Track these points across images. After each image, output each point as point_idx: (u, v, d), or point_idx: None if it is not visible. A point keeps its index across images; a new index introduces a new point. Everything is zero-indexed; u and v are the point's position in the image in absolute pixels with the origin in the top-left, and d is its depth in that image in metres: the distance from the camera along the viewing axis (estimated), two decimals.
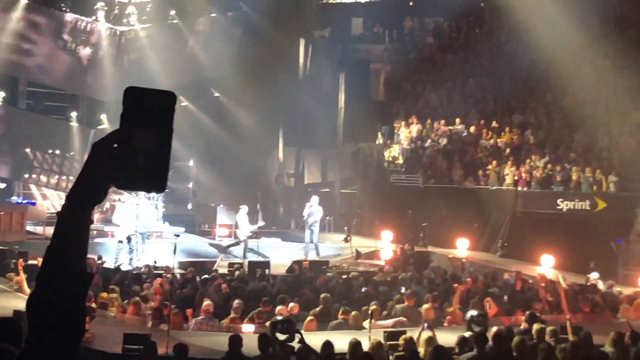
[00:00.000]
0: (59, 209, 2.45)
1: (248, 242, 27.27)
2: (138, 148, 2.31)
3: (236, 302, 15.74)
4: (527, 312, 14.13)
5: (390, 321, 15.14)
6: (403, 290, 18.68)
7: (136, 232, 24.57)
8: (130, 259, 24.12)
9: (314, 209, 27.62)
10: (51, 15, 29.81)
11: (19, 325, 5.05)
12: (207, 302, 14.80)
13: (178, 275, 19.64)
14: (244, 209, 27.54)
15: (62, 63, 30.66)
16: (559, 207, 28.13)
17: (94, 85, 31.21)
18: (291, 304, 15.60)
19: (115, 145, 2.34)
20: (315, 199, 27.99)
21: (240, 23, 35.90)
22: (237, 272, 20.60)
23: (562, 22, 34.36)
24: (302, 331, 12.46)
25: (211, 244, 27.73)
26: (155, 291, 17.15)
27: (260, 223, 28.09)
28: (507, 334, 11.78)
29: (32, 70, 30.73)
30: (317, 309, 16.02)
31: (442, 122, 34.00)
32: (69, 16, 29.64)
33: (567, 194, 28.38)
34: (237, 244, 27.50)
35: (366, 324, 13.51)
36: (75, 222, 2.36)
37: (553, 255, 24.63)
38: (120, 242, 24.59)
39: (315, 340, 11.80)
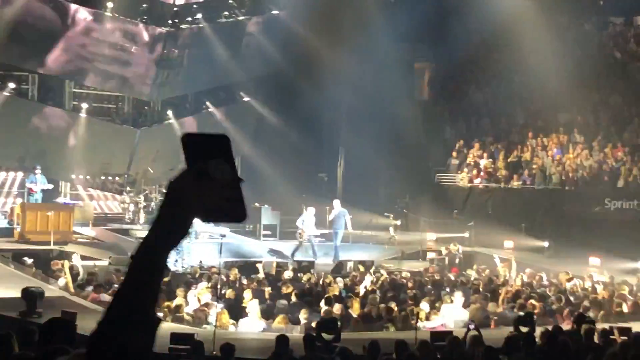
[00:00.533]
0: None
1: (314, 242, 27.22)
2: (216, 179, 2.31)
3: (281, 303, 15.78)
4: (575, 313, 13.99)
5: (435, 321, 15.08)
6: (448, 290, 18.63)
7: None
8: (176, 260, 24.23)
9: (336, 211, 27.45)
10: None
11: (72, 326, 5.09)
12: (251, 303, 14.80)
13: (223, 276, 19.69)
14: (311, 210, 27.50)
15: (107, 64, 30.89)
16: (607, 207, 27.86)
17: (138, 87, 31.41)
18: (336, 305, 15.59)
19: (194, 180, 2.30)
20: (337, 203, 27.82)
21: (269, 26, 35.75)
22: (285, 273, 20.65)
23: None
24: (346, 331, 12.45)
25: (272, 250, 27.43)
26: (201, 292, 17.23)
27: (324, 231, 28.09)
28: (555, 334, 11.66)
29: (78, 71, 31.00)
30: (364, 310, 15.99)
31: (486, 121, 33.79)
32: (114, 17, 29.85)
33: (615, 193, 28.10)
34: (299, 247, 27.31)
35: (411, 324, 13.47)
36: (154, 265, 2.30)
37: (601, 255, 24.47)
38: None
39: (360, 340, 11.78)
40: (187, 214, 2.30)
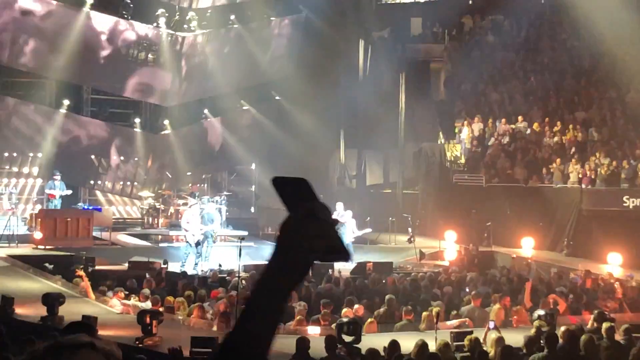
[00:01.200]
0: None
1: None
2: (324, 220, 2.38)
3: (300, 305, 15.77)
4: (596, 311, 13.94)
5: (455, 322, 15.06)
6: (467, 290, 18.60)
7: (203, 236, 24.71)
8: (195, 264, 24.29)
9: (339, 215, 27.14)
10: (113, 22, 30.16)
11: (92, 329, 5.12)
12: None
13: (243, 281, 19.71)
14: (349, 213, 27.38)
15: (124, 70, 31.01)
16: (625, 205, 27.78)
17: (156, 92, 31.52)
18: (356, 306, 15.59)
19: (308, 223, 2.34)
20: (340, 206, 27.50)
21: (300, 26, 36.01)
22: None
23: (625, 16, 33.90)
24: (364, 333, 12.44)
25: None
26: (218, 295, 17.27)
27: (368, 230, 28.00)
28: (577, 333, 11.63)
29: (98, 77, 31.14)
30: (381, 310, 15.99)
31: (504, 120, 33.72)
32: (131, 23, 29.97)
33: (633, 191, 28.01)
34: None
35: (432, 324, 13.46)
36: (277, 309, 2.34)
37: (620, 253, 24.40)
38: (189, 246, 24.75)
39: (379, 341, 11.79)
40: (308, 256, 2.33)
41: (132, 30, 30.17)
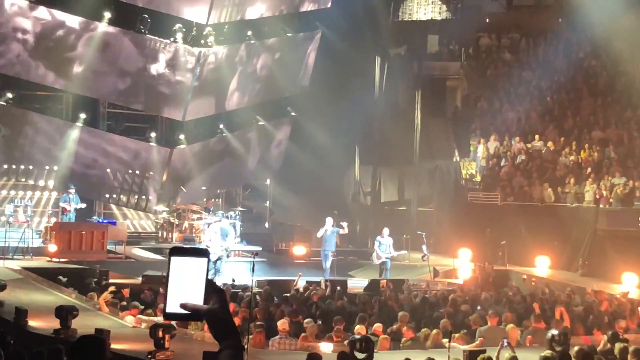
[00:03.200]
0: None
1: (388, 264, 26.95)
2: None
3: (307, 322, 15.75)
4: (610, 332, 13.85)
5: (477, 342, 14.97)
6: (479, 308, 18.49)
7: (221, 251, 24.71)
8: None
9: (327, 229, 26.79)
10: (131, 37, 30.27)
11: (103, 342, 5.11)
12: (282, 321, 14.79)
13: (257, 296, 19.70)
14: (386, 231, 27.30)
15: (141, 84, 31.09)
16: None
17: (172, 106, 31.60)
18: (376, 325, 15.53)
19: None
20: (329, 221, 27.13)
21: (316, 42, 36.10)
22: (314, 291, 20.62)
23: None
24: (376, 350, 12.38)
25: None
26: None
27: (403, 251, 27.94)
28: (591, 353, 11.56)
29: (112, 91, 31.24)
30: (394, 327, 15.94)
31: (517, 139, 33.68)
32: (148, 38, 30.06)
33: None
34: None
35: (445, 342, 13.39)
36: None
37: (635, 273, 24.29)
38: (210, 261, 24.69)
39: (391, 358, 11.74)
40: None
41: (150, 45, 30.24)
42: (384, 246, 26.80)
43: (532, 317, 16.24)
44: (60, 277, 20.98)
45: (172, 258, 3.26)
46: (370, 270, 28.07)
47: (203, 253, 3.33)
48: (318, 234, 26.92)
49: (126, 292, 19.71)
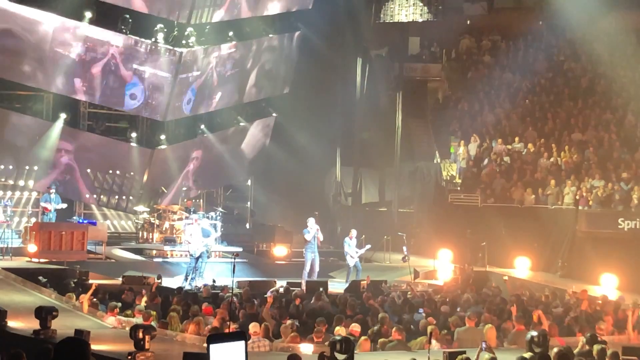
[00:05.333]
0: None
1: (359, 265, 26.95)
2: None
3: (292, 322, 15.75)
4: (588, 334, 13.93)
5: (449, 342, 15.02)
6: (458, 309, 18.56)
7: (201, 252, 24.66)
8: (192, 279, 24.28)
9: (312, 231, 26.28)
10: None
11: (87, 345, 5.12)
12: (253, 324, 14.70)
13: (235, 298, 19.69)
14: (353, 232, 27.31)
15: (121, 84, 30.96)
16: (620, 227, 27.82)
17: (152, 106, 31.49)
18: (353, 325, 15.55)
19: None
20: (312, 221, 26.50)
21: (298, 43, 36.11)
22: (294, 291, 20.63)
23: (622, 40, 34.10)
24: (357, 351, 12.39)
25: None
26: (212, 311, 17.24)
27: (368, 246, 27.94)
28: (570, 355, 11.63)
29: (92, 92, 31.09)
30: (375, 328, 15.96)
31: (500, 140, 33.80)
32: (129, 38, 29.96)
33: (628, 213, 28.06)
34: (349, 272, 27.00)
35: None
36: None
37: (614, 275, 24.45)
38: (193, 259, 24.68)
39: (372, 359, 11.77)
40: None
41: (130, 44, 30.14)
42: (352, 248, 26.84)
43: (513, 319, 16.29)
44: (40, 278, 20.91)
45: (211, 346, 3.45)
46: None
47: (240, 336, 3.51)
48: (308, 237, 26.51)
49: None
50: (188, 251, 25.28)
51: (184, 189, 33.92)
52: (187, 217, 28.59)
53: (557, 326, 16.08)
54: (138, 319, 15.71)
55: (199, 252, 24.48)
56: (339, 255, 30.10)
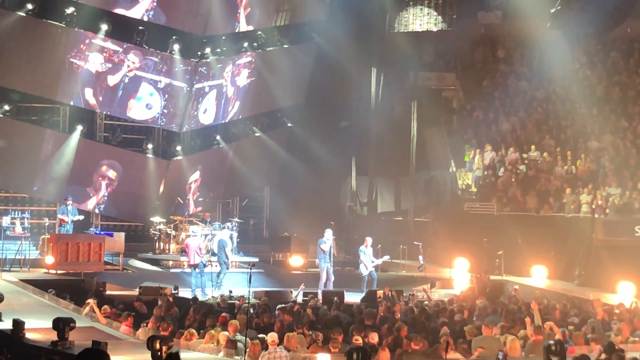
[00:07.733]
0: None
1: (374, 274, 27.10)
2: None
3: (310, 332, 15.74)
4: (606, 342, 13.88)
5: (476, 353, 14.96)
6: (474, 319, 18.50)
7: (216, 262, 24.77)
8: (203, 288, 24.36)
9: (330, 242, 26.91)
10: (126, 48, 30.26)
11: (105, 355, 5.16)
12: (272, 334, 14.70)
13: (251, 308, 19.69)
14: (369, 240, 27.38)
15: (136, 96, 31.02)
16: (637, 235, 27.72)
17: (169, 117, 31.57)
18: (371, 334, 15.53)
19: None
20: (329, 233, 27.13)
21: (312, 54, 36.15)
22: (311, 301, 20.65)
23: (637, 47, 33.96)
24: None
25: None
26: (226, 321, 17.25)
27: (386, 257, 27.98)
28: None
29: (108, 103, 31.20)
30: (390, 337, 15.93)
31: (512, 149, 33.72)
32: (144, 49, 30.06)
33: None
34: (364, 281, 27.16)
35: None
36: None
37: (632, 282, 24.34)
38: (199, 271, 24.79)
39: None
40: None
41: (145, 56, 30.25)
42: (367, 256, 26.86)
43: (531, 328, 16.22)
44: (50, 290, 20.87)
45: None
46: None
47: None
48: (325, 247, 26.75)
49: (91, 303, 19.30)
50: (189, 262, 25.71)
51: (200, 199, 33.97)
52: (192, 232, 28.43)
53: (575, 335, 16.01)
54: (155, 330, 15.74)
55: (204, 264, 24.89)
56: (354, 264, 30.09)
